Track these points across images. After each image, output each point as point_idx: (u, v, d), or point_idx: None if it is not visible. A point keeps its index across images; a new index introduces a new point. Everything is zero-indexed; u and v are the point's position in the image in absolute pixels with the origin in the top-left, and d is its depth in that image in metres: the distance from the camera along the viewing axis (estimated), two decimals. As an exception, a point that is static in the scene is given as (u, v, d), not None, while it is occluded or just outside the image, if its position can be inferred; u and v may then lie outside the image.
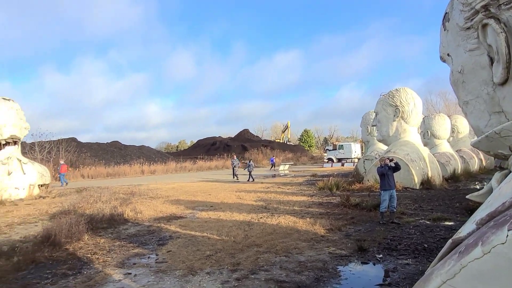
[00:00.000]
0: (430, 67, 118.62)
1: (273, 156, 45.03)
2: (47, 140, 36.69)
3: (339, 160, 43.44)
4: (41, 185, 15.84)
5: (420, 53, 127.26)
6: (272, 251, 5.90)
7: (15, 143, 15.06)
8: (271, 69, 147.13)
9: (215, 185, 20.05)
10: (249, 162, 24.71)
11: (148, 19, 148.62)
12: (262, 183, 20.65)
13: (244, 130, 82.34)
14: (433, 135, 21.26)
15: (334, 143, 51.85)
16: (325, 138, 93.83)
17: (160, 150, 75.84)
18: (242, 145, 67.20)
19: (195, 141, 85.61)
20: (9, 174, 14.28)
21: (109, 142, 56.40)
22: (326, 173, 25.74)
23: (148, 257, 5.84)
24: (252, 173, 23.39)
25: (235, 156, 28.15)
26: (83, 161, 38.96)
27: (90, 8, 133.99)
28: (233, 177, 24.87)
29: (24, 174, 14.87)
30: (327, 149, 51.26)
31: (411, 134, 15.26)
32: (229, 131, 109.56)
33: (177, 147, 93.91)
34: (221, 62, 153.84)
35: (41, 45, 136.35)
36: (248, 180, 22.75)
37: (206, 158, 52.56)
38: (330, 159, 45.24)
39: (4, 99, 14.76)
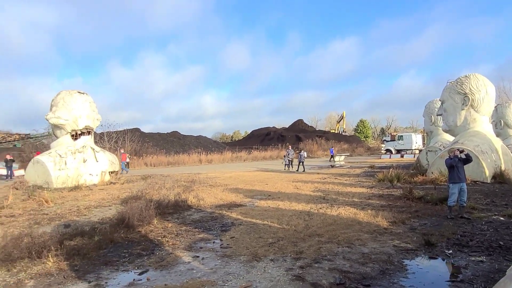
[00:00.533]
0: (503, 51, 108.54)
1: (332, 147, 44.24)
2: (114, 130, 39.43)
3: (398, 151, 41.54)
4: (111, 172, 17.11)
5: (491, 36, 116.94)
6: (334, 241, 5.88)
7: (89, 133, 16.41)
8: (326, 58, 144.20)
9: (271, 175, 20.25)
10: (301, 152, 24.56)
11: (204, 12, 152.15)
12: (318, 173, 20.46)
13: (298, 120, 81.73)
14: (506, 125, 19.60)
15: (392, 134, 49.67)
16: (382, 128, 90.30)
17: (216, 140, 78.07)
18: (296, 136, 66.82)
19: (249, 131, 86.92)
20: (84, 161, 15.62)
21: (169, 132, 59.22)
22: (385, 165, 24.82)
23: (214, 242, 6.12)
24: (304, 163, 23.24)
25: (290, 146, 28.09)
26: (146, 150, 41.32)
27: (152, 3, 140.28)
28: (286, 167, 24.88)
29: (97, 161, 16.17)
30: (384, 140, 49.26)
31: (482, 123, 14.16)
32: (283, 122, 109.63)
33: (232, 137, 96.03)
34: (276, 52, 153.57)
35: (108, 41, 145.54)
36: (297, 170, 22.69)
37: (260, 148, 53.09)
38: (388, 150, 43.44)
39: (79, 92, 16.10)
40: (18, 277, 4.60)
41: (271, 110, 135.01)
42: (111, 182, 16.17)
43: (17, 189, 13.99)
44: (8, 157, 22.60)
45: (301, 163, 22.99)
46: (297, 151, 30.39)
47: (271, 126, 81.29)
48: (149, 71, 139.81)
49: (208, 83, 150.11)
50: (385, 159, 36.89)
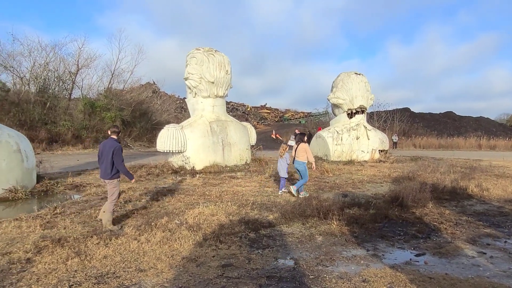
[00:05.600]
0: None
1: None
2: (383, 110, 39.82)
3: None
4: (381, 150, 17.45)
5: None
6: None
7: (362, 112, 17.30)
8: None
9: None
10: None
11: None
12: None
13: None
14: None
15: None
16: None
17: (502, 122, 64.88)
18: None
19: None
20: (357, 138, 16.66)
21: (442, 112, 54.19)
22: None
23: (505, 242, 5.19)
24: None
25: None
26: (415, 131, 39.57)
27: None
28: None
29: (368, 139, 16.87)
30: None
31: None
32: None
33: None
34: None
35: (390, 18, 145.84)
36: None
37: None
38: None
39: (356, 73, 17.13)
40: (310, 231, 5.50)
41: None
42: (381, 160, 16.53)
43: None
44: (297, 131, 27.14)
45: None
46: None
47: None
48: (429, 45, 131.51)
49: (502, 54, 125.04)
50: None
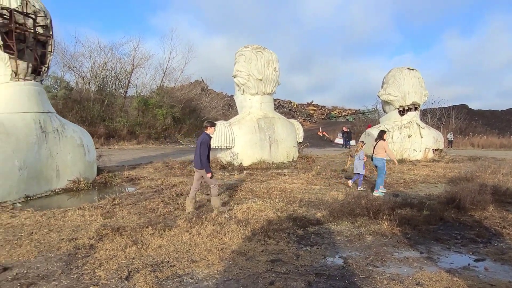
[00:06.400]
0: None
1: None
2: (438, 107, 37.75)
3: None
4: (435, 150, 16.59)
5: None
6: None
7: (415, 109, 16.55)
8: None
9: None
10: None
11: None
12: None
13: None
14: None
15: None
16: None
17: None
18: None
19: None
20: (409, 136, 15.97)
21: (504, 109, 50.26)
22: None
23: None
24: None
25: None
26: (473, 129, 37.12)
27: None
28: None
29: (422, 137, 16.11)
30: None
31: None
32: None
33: None
34: None
35: (446, 10, 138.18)
36: None
37: None
38: None
39: (409, 69, 16.42)
40: (360, 231, 5.40)
41: None
42: (434, 160, 15.73)
43: (351, 156, 16.27)
44: (344, 129, 26.63)
45: None
46: None
47: None
48: (491, 37, 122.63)
49: None
50: None
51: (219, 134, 12.50)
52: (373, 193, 8.18)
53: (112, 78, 29.63)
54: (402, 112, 16.67)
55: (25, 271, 3.76)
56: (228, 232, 5.05)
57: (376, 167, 8.59)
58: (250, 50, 13.38)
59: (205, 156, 6.20)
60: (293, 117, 48.48)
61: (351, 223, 5.75)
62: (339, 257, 4.33)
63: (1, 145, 6.82)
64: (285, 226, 5.45)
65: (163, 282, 3.55)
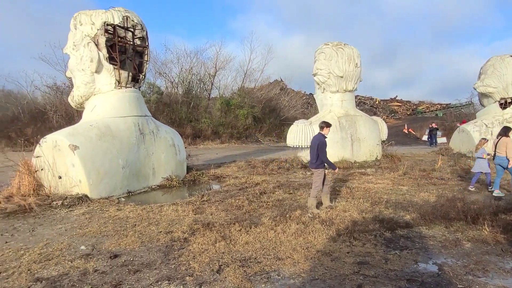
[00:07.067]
0: None
1: None
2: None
3: None
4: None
5: None
6: None
7: (520, 101, 14.65)
8: None
9: None
10: None
11: None
12: None
13: None
14: None
15: None
16: None
17: None
18: None
19: None
20: None
21: None
22: None
23: None
24: None
25: None
26: None
27: None
28: None
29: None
30: None
31: None
32: None
33: None
34: None
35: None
36: None
37: None
38: None
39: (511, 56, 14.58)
40: (456, 236, 4.98)
41: None
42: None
43: (442, 155, 15.05)
44: (433, 125, 24.63)
45: None
46: None
47: None
48: None
49: None
50: None
51: (299, 133, 12.52)
52: (493, 193, 7.59)
53: (197, 82, 31.45)
54: (504, 105, 14.87)
55: (131, 259, 4.23)
56: (312, 231, 5.07)
57: (501, 166, 7.86)
58: (330, 47, 13.14)
59: (326, 156, 6.29)
60: (375, 114, 46.37)
61: (445, 227, 5.34)
62: (432, 264, 4.06)
63: (108, 146, 7.73)
64: (371, 228, 5.28)
65: (251, 277, 3.70)
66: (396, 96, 64.58)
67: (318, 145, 6.25)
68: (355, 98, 22.49)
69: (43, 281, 3.64)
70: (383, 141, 14.58)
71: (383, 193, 7.89)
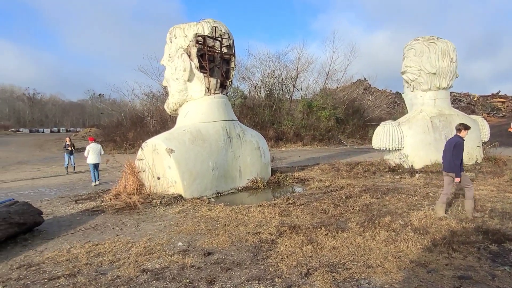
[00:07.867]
0: None
1: None
2: None
3: None
4: None
5: None
6: None
7: None
8: None
9: None
10: None
11: None
12: None
13: None
14: None
15: None
16: None
17: None
18: None
19: None
20: None
21: None
22: None
23: None
24: None
25: None
26: None
27: None
28: None
29: None
30: None
31: None
32: None
33: None
34: None
35: None
36: None
37: None
38: None
39: None
40: None
41: None
42: None
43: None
44: None
45: None
46: None
47: None
48: None
49: None
50: None
51: (386, 135, 11.94)
52: None
53: (279, 85, 31.92)
54: None
55: (223, 257, 4.47)
56: (404, 239, 4.80)
57: None
58: (421, 43, 12.28)
59: (458, 160, 6.02)
60: (473, 112, 42.04)
61: None
62: (552, 285, 3.56)
63: (199, 150, 8.27)
64: (474, 240, 4.81)
65: (340, 283, 3.65)
66: (499, 91, 57.50)
67: (455, 145, 6.01)
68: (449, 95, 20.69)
69: (148, 272, 4.05)
70: (484, 143, 13.15)
71: (486, 200, 7.13)
